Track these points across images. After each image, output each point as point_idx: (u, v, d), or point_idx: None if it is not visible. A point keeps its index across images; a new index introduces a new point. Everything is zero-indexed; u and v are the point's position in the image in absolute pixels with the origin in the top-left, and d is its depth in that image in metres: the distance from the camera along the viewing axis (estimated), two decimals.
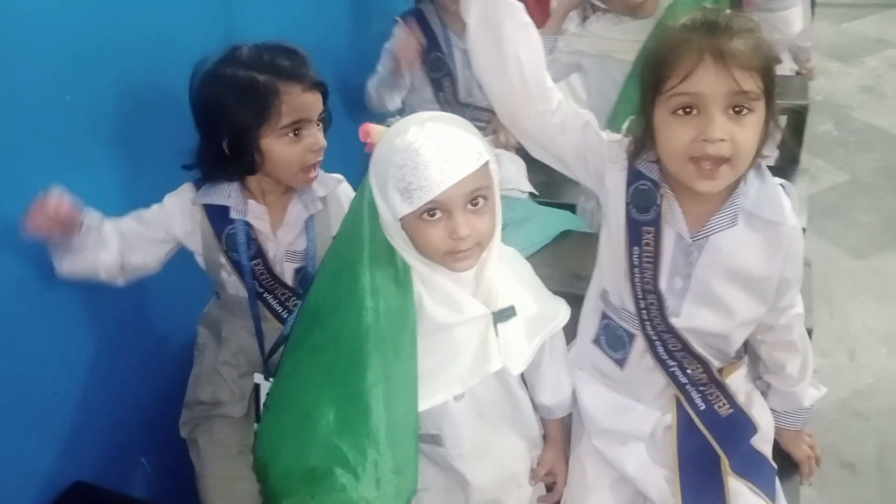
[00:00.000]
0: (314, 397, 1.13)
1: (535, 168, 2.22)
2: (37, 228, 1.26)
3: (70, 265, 1.34)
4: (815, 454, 1.43)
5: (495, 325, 1.20)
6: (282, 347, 1.45)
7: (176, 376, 1.62)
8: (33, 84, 1.25)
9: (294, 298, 1.50)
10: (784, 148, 2.38)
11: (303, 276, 1.50)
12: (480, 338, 1.20)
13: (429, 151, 1.07)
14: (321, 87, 1.42)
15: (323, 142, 1.43)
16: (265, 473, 1.16)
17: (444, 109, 2.21)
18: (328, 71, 1.46)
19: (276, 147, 1.39)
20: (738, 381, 1.33)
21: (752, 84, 1.08)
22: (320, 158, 1.44)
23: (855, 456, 2.08)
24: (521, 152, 2.21)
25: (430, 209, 1.10)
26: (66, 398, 1.42)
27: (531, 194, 2.15)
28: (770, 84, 1.11)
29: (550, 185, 2.20)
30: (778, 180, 1.22)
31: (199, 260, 1.49)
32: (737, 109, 1.10)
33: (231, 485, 1.52)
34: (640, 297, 1.25)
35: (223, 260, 1.47)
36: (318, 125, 1.43)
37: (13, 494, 1.33)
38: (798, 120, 2.19)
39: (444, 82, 2.23)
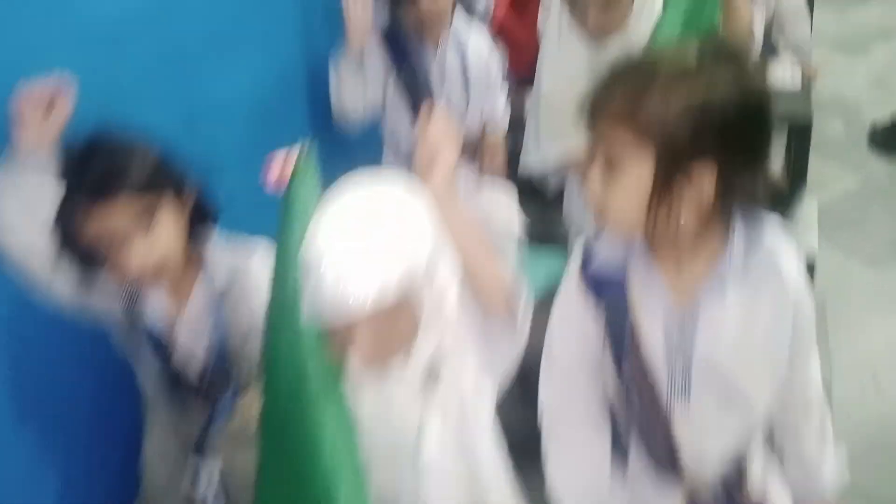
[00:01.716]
0: None
1: (525, 200, 2.16)
2: (26, 104, 1.14)
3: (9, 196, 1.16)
4: None
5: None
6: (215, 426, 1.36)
7: None
8: None
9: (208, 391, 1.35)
10: (789, 162, 2.29)
11: (210, 373, 1.34)
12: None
13: (328, 277, 0.92)
14: (127, 195, 1.17)
15: (132, 263, 1.19)
16: None
17: None
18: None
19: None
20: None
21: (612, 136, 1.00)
22: (154, 274, 1.23)
23: (885, 497, 1.94)
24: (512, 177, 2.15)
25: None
26: (87, 430, 1.49)
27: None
28: (663, 148, 0.97)
29: (542, 223, 2.12)
30: (773, 221, 1.10)
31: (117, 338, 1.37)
32: (607, 160, 1.02)
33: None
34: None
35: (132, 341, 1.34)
36: (148, 228, 1.19)
37: None
38: (802, 137, 2.09)
39: (419, 103, 2.06)
